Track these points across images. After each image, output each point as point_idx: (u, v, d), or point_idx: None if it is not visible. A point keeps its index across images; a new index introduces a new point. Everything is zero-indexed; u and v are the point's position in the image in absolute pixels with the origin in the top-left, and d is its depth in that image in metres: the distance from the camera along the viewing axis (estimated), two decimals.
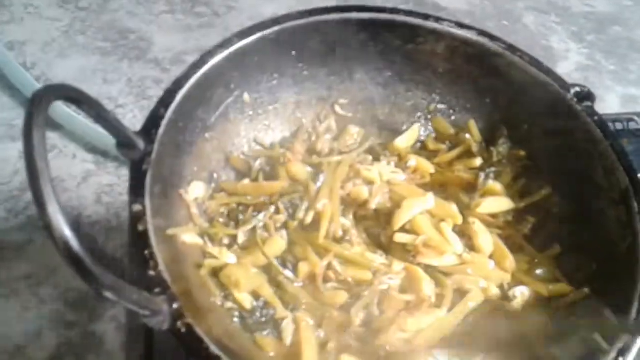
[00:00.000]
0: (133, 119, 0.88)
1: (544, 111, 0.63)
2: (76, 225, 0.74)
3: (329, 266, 0.57)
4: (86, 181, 0.80)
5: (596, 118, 0.60)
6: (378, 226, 0.62)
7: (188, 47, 1.00)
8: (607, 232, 0.57)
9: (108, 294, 0.38)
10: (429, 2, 1.18)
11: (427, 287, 0.57)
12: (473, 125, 0.69)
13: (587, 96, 0.61)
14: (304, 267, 0.58)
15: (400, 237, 0.60)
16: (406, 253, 0.60)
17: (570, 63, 1.10)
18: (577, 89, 0.61)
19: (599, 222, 0.58)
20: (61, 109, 0.82)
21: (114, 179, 0.81)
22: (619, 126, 0.87)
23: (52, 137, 0.83)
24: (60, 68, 0.93)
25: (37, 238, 0.73)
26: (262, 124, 0.68)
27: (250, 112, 0.66)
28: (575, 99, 0.61)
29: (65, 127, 0.82)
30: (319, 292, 0.57)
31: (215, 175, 0.63)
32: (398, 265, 0.59)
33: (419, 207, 0.61)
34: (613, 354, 0.46)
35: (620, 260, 0.54)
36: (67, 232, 0.35)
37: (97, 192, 0.79)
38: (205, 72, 0.55)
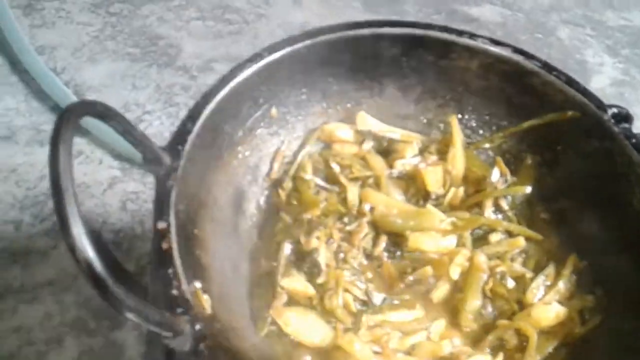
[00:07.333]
0: (160, 126, 0.88)
1: (580, 132, 0.61)
2: (98, 233, 0.74)
3: None
4: (112, 188, 0.80)
5: (634, 140, 0.58)
6: None
7: (217, 54, 1.00)
8: None
9: (130, 315, 0.37)
10: (461, 13, 1.16)
11: None
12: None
13: (624, 117, 0.59)
14: None
15: None
16: None
17: (604, 77, 1.07)
18: (615, 110, 0.59)
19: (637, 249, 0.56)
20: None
21: (140, 186, 0.81)
22: None
23: (79, 142, 0.83)
24: (89, 73, 0.93)
25: (62, 244, 0.71)
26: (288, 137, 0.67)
27: (276, 127, 0.65)
28: (613, 120, 0.59)
29: (93, 133, 0.82)
30: None
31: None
32: None
33: None
34: None
35: None
36: (91, 254, 0.34)
37: (122, 199, 0.79)
38: (234, 86, 0.54)
